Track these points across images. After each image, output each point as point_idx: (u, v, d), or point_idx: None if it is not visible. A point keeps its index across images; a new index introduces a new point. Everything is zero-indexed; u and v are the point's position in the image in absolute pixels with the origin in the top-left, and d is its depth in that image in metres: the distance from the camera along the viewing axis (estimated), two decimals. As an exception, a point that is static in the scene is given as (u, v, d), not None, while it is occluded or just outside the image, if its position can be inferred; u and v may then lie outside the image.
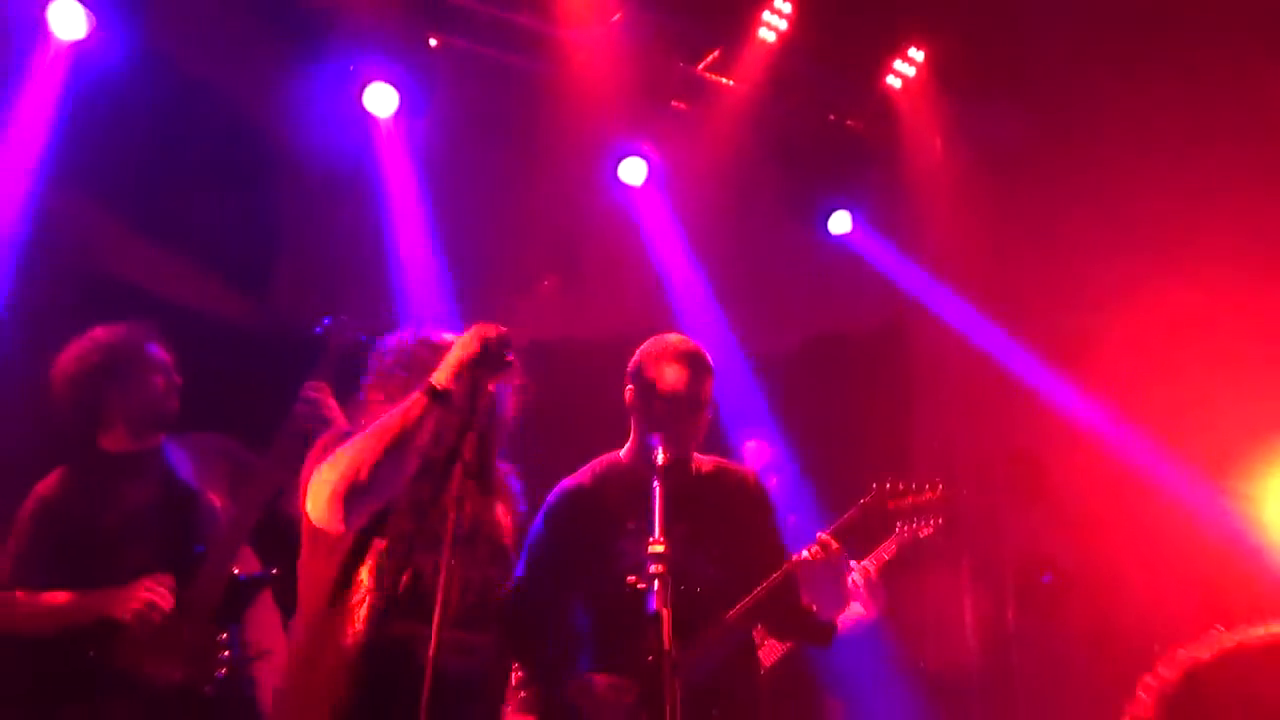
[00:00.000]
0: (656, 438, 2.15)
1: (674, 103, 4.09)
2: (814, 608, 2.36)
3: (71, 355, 2.57)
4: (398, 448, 1.90)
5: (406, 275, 4.36)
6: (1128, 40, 3.80)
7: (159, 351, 2.66)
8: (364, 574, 1.96)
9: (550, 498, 2.42)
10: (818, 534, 2.36)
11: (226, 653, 2.47)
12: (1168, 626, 3.73)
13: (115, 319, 2.95)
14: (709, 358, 2.40)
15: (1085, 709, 3.71)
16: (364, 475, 1.89)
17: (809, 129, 4.20)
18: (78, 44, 3.01)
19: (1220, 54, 3.60)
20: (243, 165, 4.23)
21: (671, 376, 2.32)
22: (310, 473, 2.00)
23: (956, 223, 4.14)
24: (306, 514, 2.00)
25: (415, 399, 1.93)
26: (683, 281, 4.15)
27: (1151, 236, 3.71)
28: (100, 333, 2.60)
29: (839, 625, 2.57)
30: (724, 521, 2.37)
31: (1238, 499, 3.65)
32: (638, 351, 2.44)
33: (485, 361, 1.93)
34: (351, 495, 1.90)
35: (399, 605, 1.94)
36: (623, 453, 2.46)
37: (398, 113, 3.55)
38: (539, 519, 2.41)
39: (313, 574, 2.04)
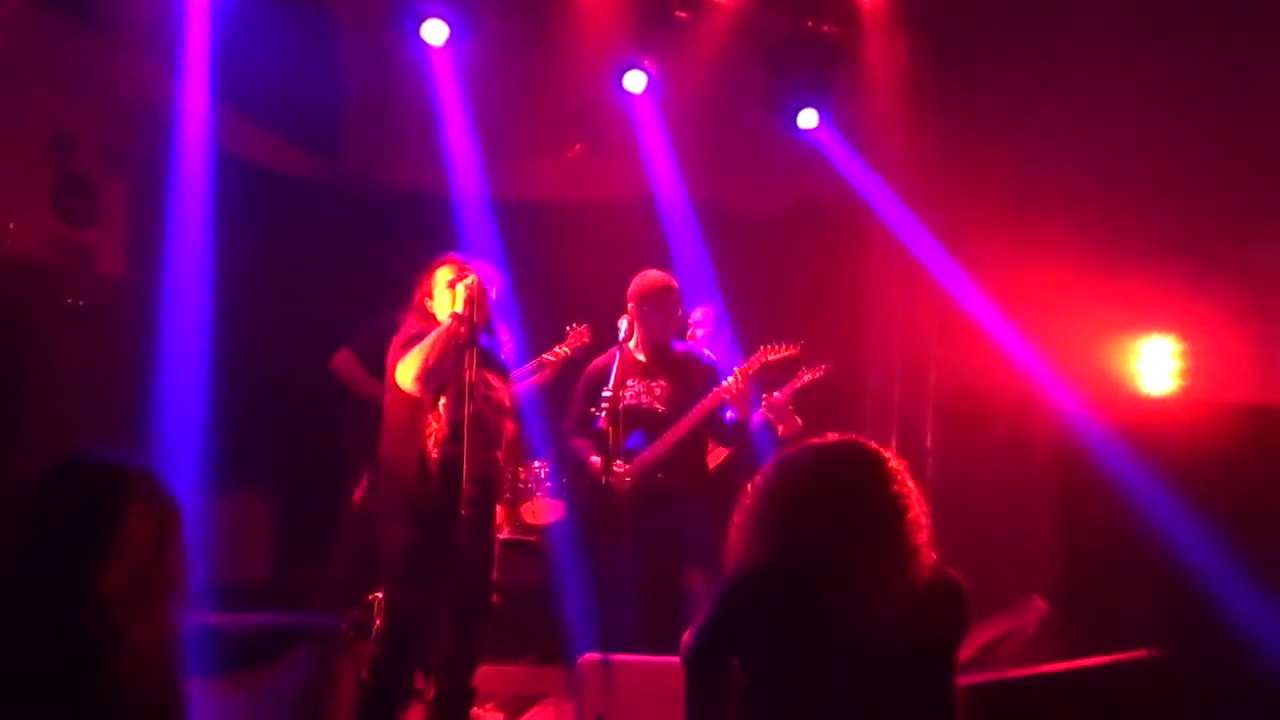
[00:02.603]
0: (624, 318, 3.81)
1: (677, 13, 4.97)
2: (736, 414, 3.84)
3: None
4: (446, 347, 3.35)
5: (457, 145, 5.34)
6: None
7: None
8: (430, 418, 3.42)
9: (587, 369, 3.94)
10: (734, 369, 3.84)
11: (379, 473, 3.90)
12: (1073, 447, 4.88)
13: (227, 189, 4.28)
14: (675, 284, 3.88)
15: (998, 511, 4.99)
16: (431, 364, 3.34)
17: (788, 35, 5.05)
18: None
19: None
20: (323, 61, 5.25)
21: (656, 303, 3.83)
22: (394, 357, 3.44)
23: (909, 123, 4.99)
24: (393, 379, 3.43)
25: (450, 321, 3.37)
26: (670, 169, 5.21)
27: (1093, 159, 4.36)
28: None
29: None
30: (684, 380, 3.89)
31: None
32: (633, 283, 3.90)
33: (480, 296, 3.41)
34: (428, 376, 3.36)
35: (451, 433, 3.37)
36: (631, 343, 3.95)
37: (448, 38, 4.58)
38: (580, 382, 3.95)
39: (396, 411, 3.51)
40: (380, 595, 3.79)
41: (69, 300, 3.77)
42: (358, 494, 4.36)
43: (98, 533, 1.57)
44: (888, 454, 1.95)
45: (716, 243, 5.22)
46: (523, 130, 5.65)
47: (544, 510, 5.02)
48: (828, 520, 1.88)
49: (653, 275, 3.92)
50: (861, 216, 5.21)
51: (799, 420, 4.30)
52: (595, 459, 3.82)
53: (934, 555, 1.92)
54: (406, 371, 3.40)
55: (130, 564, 1.57)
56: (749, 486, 2.01)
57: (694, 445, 3.93)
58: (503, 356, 3.76)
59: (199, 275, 4.22)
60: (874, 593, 1.85)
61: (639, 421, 3.87)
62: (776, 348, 3.94)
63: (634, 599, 3.69)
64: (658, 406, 3.88)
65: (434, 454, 3.42)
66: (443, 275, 3.56)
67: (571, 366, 4.42)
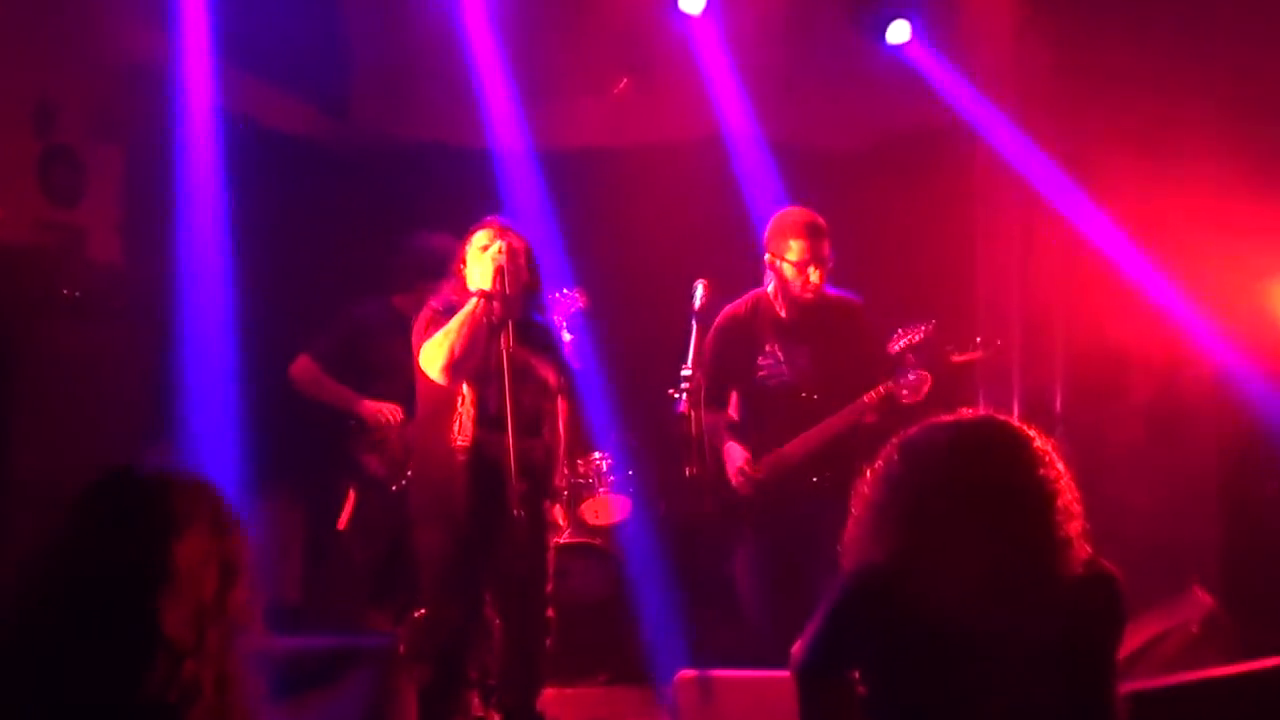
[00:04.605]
0: (699, 283, 3.66)
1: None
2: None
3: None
4: (474, 331, 3.45)
5: (483, 87, 5.34)
6: None
7: None
8: (458, 403, 3.54)
9: (718, 319, 3.90)
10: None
11: (409, 473, 4.13)
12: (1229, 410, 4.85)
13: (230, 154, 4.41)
14: (823, 222, 3.81)
15: (1145, 489, 4.96)
16: (459, 353, 3.45)
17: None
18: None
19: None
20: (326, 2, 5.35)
21: (798, 246, 3.76)
22: (420, 336, 3.58)
23: (1019, 31, 4.90)
24: (419, 364, 3.55)
25: (475, 302, 3.46)
26: (737, 102, 5.24)
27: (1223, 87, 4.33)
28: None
29: None
30: (839, 344, 3.84)
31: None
32: (770, 225, 3.88)
33: (504, 268, 3.48)
34: (456, 367, 3.48)
35: (483, 420, 3.50)
36: (770, 290, 3.91)
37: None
38: (710, 335, 3.86)
39: (426, 399, 3.64)
40: (423, 612, 3.94)
41: (65, 291, 3.93)
42: (344, 517, 4.50)
43: (152, 561, 1.51)
44: (1033, 432, 1.97)
45: (795, 186, 5.17)
46: (559, 65, 5.69)
47: (608, 508, 5.09)
48: (964, 511, 1.90)
49: (794, 213, 3.88)
50: (967, 145, 5.19)
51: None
52: (733, 447, 3.86)
53: (1088, 548, 1.95)
54: (433, 360, 3.52)
55: (194, 598, 1.52)
56: (868, 472, 2.04)
57: (853, 439, 3.79)
58: (556, 329, 3.87)
59: (212, 255, 4.36)
60: (1019, 594, 1.88)
61: (776, 403, 3.86)
62: (915, 330, 3.85)
63: (761, 613, 3.79)
64: (801, 385, 3.84)
65: (460, 443, 3.53)
66: (478, 241, 3.64)
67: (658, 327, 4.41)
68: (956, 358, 3.87)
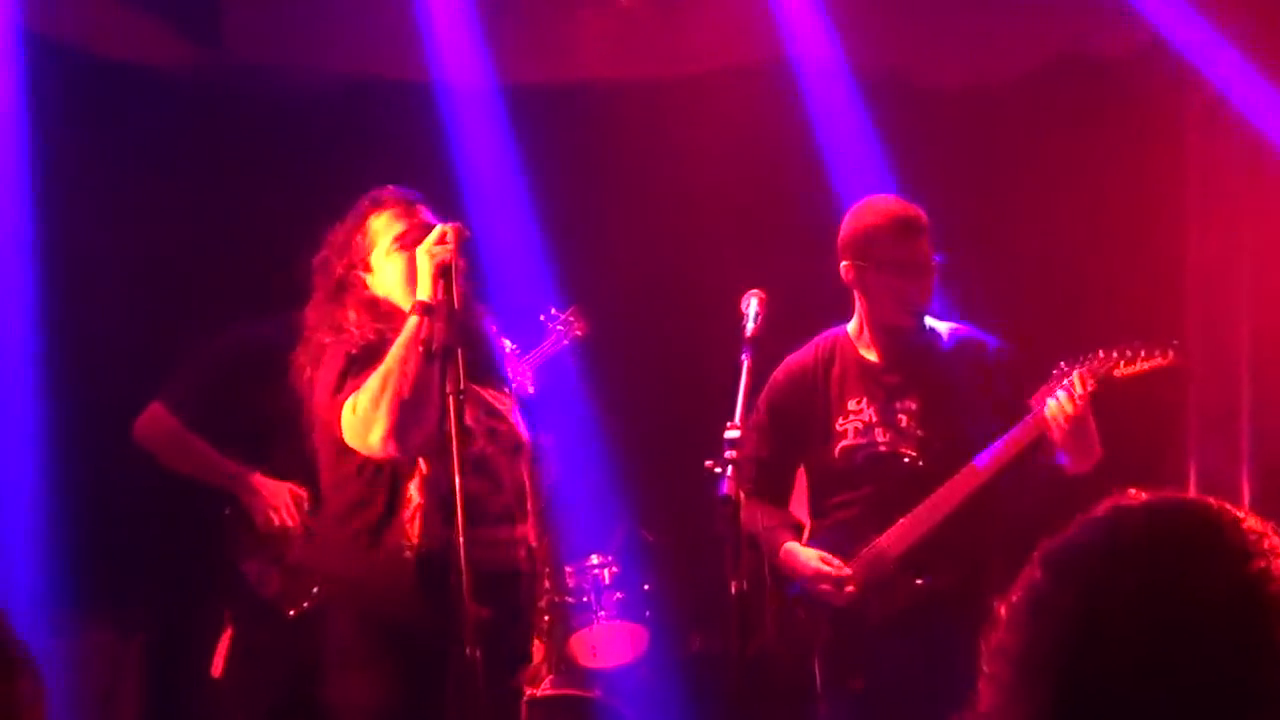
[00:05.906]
0: (753, 295, 3.68)
1: None
2: (1060, 462, 3.82)
3: None
4: (423, 367, 3.38)
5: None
6: None
7: None
8: (412, 489, 3.51)
9: (776, 374, 4.01)
10: (1059, 386, 3.77)
11: (316, 590, 4.10)
12: None
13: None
14: (923, 215, 3.91)
15: None
16: (407, 395, 3.37)
17: None
18: None
19: None
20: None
21: (894, 249, 3.86)
22: (326, 398, 3.51)
23: None
24: (340, 437, 3.50)
25: (415, 321, 3.43)
26: (809, 17, 5.29)
27: None
28: None
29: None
30: (955, 393, 3.93)
31: None
32: (848, 221, 3.96)
33: (453, 265, 3.44)
34: (403, 424, 3.39)
35: (442, 507, 3.41)
36: (850, 328, 4.03)
37: None
38: (764, 396, 3.97)
39: (342, 487, 3.62)
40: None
41: None
42: (218, 660, 4.46)
43: None
44: (1254, 523, 1.92)
45: (903, 139, 5.26)
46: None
47: (611, 642, 5.07)
48: (1151, 653, 1.84)
49: (882, 204, 4.01)
50: (1172, 82, 5.23)
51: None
52: (795, 550, 3.92)
53: None
54: (371, 427, 3.45)
55: None
56: (1001, 607, 2.00)
57: (979, 520, 3.90)
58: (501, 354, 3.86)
59: (9, 249, 4.27)
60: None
61: (869, 485, 3.93)
62: (1136, 353, 3.83)
63: None
64: (906, 452, 3.91)
65: (413, 544, 3.50)
66: (384, 229, 3.63)
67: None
68: (1121, 372, 3.85)
